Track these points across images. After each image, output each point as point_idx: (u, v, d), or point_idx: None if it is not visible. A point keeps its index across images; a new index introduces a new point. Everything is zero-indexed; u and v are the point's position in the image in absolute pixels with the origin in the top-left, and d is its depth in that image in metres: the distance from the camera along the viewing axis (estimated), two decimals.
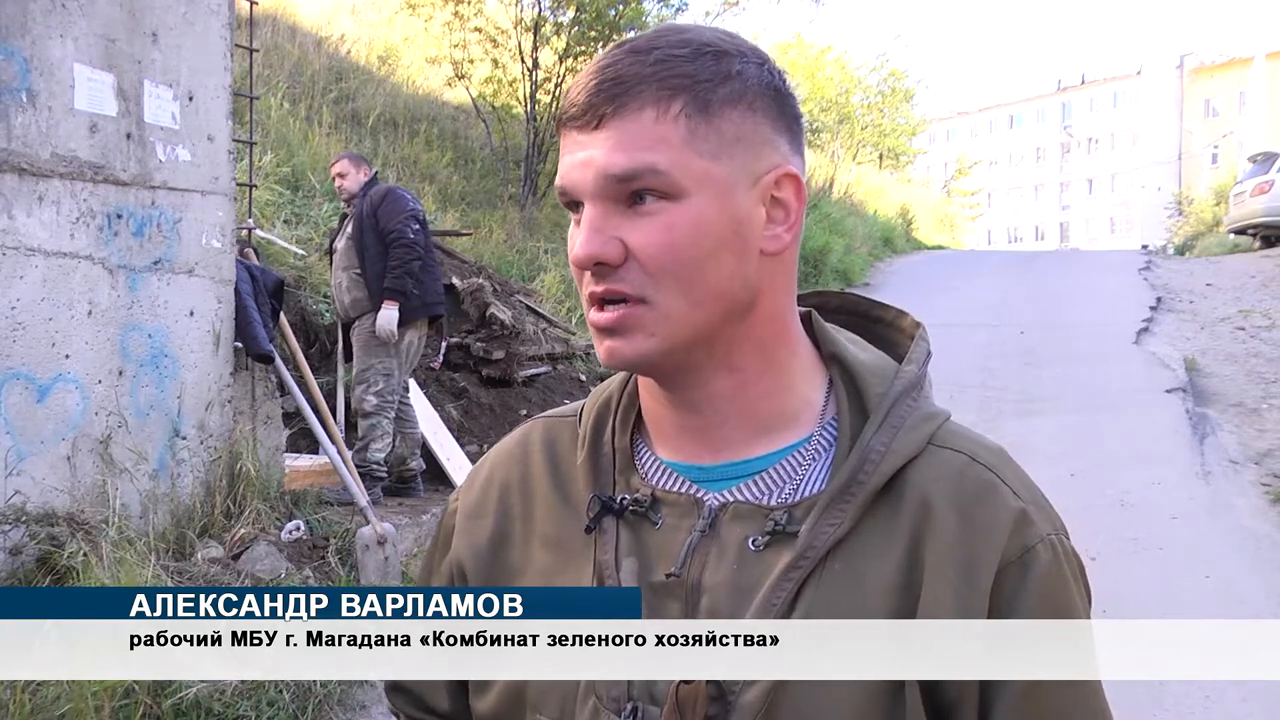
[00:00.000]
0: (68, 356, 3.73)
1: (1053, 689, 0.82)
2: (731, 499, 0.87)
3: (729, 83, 0.82)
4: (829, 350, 0.91)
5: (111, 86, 3.92)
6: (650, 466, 0.91)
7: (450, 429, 6.63)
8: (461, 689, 0.98)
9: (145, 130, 4.07)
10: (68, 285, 3.74)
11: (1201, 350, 9.71)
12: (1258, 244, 17.23)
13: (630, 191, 0.81)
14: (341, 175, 5.95)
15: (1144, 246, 24.13)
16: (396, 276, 5.54)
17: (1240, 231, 18.10)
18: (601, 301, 0.83)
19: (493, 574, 0.94)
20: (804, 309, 0.93)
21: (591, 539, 0.90)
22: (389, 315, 5.54)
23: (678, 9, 12.67)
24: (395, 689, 1.03)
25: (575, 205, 0.84)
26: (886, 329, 0.98)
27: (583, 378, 7.87)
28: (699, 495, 0.88)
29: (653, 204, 0.80)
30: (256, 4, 6.13)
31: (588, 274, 0.83)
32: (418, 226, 5.66)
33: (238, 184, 5.04)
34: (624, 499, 0.89)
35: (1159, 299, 12.40)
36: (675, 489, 0.89)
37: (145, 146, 4.08)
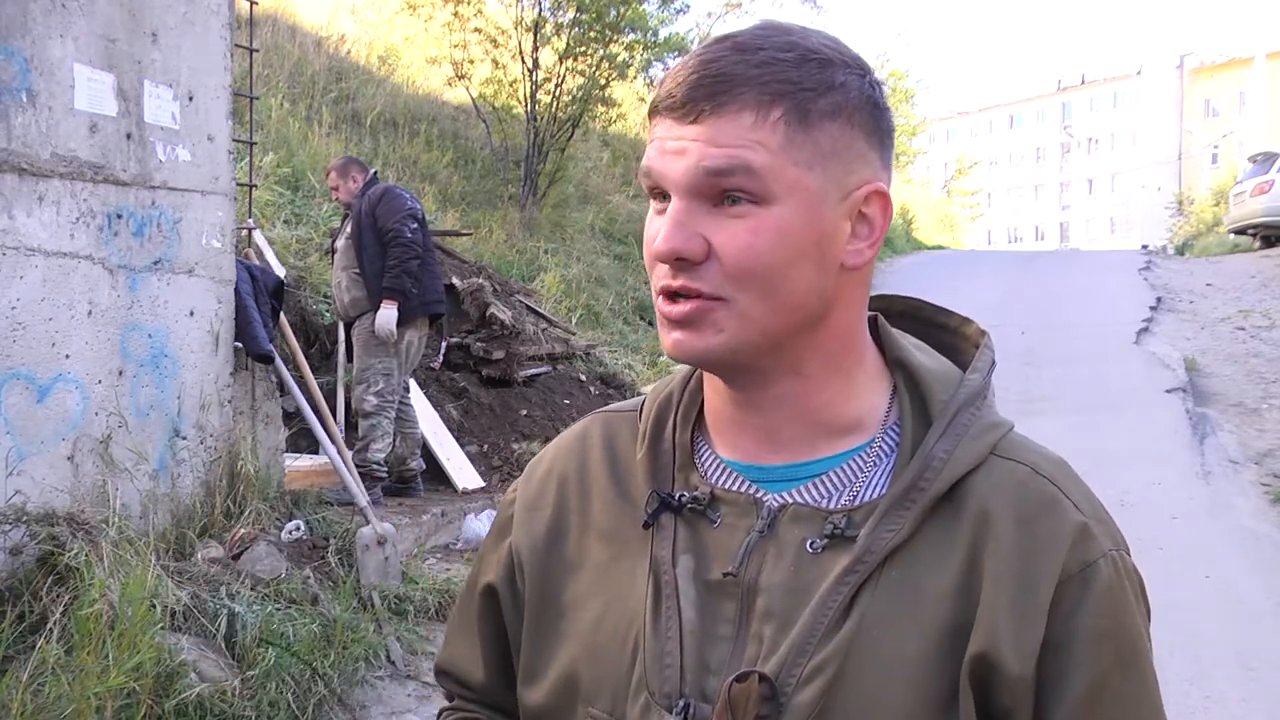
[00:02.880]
0: (68, 356, 3.73)
1: (1110, 703, 0.81)
2: (791, 500, 0.86)
3: (831, 94, 0.81)
4: (894, 356, 0.90)
5: (111, 86, 3.92)
6: (710, 464, 0.91)
7: (450, 429, 6.63)
8: (502, 661, 1.00)
9: (145, 130, 4.07)
10: (68, 285, 3.74)
11: (1201, 350, 9.71)
12: (1258, 244, 17.24)
13: (720, 190, 0.80)
14: (334, 187, 5.98)
15: (1144, 246, 24.14)
16: (395, 276, 5.54)
17: (1240, 231, 18.11)
18: (674, 294, 0.82)
19: (549, 566, 0.95)
20: (870, 313, 0.92)
21: (648, 534, 0.90)
22: (388, 314, 5.54)
23: (679, 10, 12.68)
24: (443, 671, 1.05)
25: (657, 193, 0.83)
26: (951, 335, 0.98)
27: (583, 378, 7.87)
28: (758, 495, 0.88)
29: (743, 206, 0.80)
30: (256, 4, 6.13)
31: (663, 266, 0.82)
32: (415, 225, 5.66)
33: (238, 184, 5.04)
34: (683, 496, 0.89)
35: (1159, 299, 12.40)
36: (735, 488, 0.89)
37: (145, 146, 4.08)
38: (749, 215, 0.80)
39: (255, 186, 6.48)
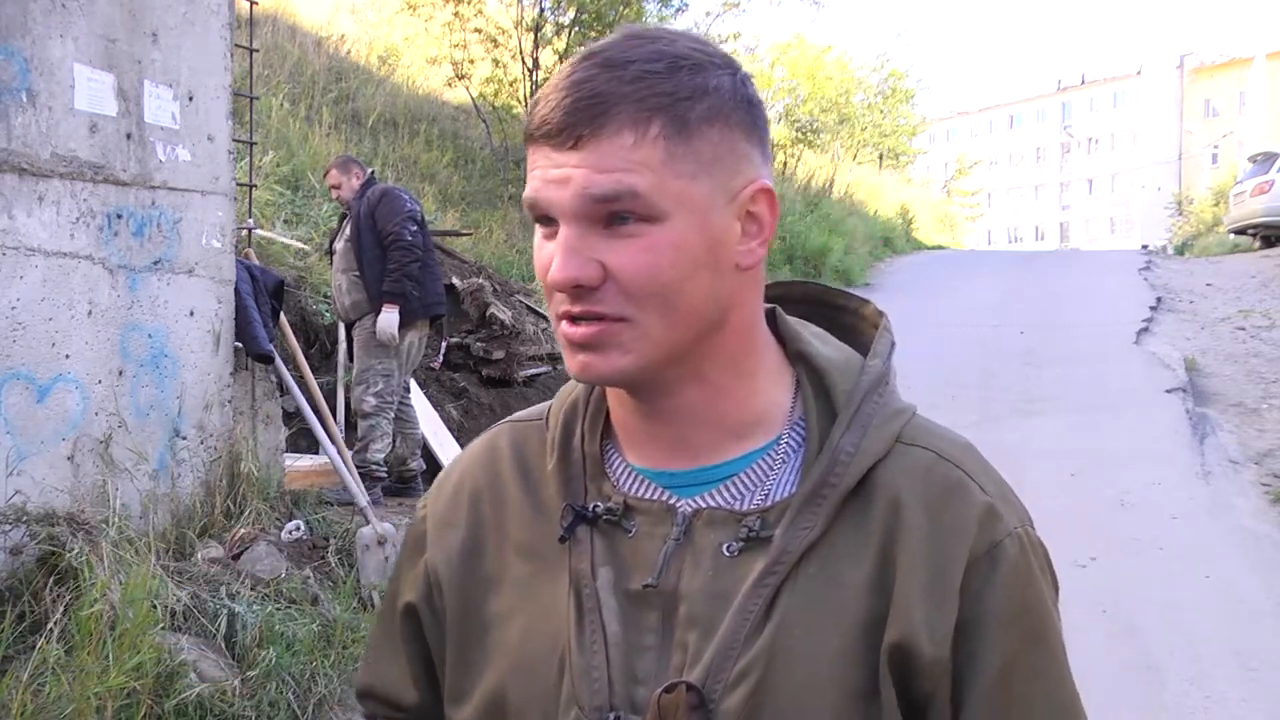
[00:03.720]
0: (68, 356, 3.73)
1: (1022, 679, 0.82)
2: (704, 505, 0.87)
3: (706, 98, 0.81)
4: (795, 348, 0.91)
5: (111, 86, 3.92)
6: (622, 473, 0.91)
7: (450, 429, 6.64)
8: (432, 680, 0.98)
9: (145, 130, 4.07)
10: (68, 285, 3.74)
11: (1201, 350, 9.71)
12: (1258, 244, 17.24)
13: (608, 213, 0.79)
14: (335, 186, 5.93)
15: (1144, 246, 24.13)
16: (395, 279, 5.52)
17: (1240, 231, 18.12)
18: (575, 318, 0.82)
19: (467, 583, 0.94)
20: (768, 306, 0.92)
21: (566, 548, 0.89)
22: (389, 318, 5.52)
23: (678, 9, 12.68)
24: (366, 693, 1.03)
25: (546, 220, 0.83)
26: (850, 317, 0.98)
27: None
28: (672, 502, 0.88)
29: (633, 226, 0.79)
30: (256, 4, 6.13)
31: (560, 294, 0.82)
32: (415, 228, 5.63)
33: (238, 184, 5.04)
34: (597, 507, 0.89)
35: (1159, 299, 12.40)
36: (648, 496, 0.89)
37: (145, 146, 4.08)
38: (641, 234, 0.80)
39: (255, 186, 6.48)
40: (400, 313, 5.55)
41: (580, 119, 0.79)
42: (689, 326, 0.82)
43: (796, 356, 0.90)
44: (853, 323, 0.97)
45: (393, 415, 5.71)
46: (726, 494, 0.87)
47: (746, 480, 0.87)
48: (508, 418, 1.03)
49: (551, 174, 0.80)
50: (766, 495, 0.86)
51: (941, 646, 0.81)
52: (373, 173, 6.06)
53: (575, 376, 0.84)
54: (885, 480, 0.85)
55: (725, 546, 0.84)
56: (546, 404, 0.99)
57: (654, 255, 0.80)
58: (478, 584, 0.93)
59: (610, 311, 0.81)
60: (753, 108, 0.84)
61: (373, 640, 1.04)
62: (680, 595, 0.84)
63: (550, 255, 0.82)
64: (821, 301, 0.99)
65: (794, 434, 0.88)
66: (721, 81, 0.82)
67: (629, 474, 0.90)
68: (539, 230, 0.84)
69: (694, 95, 0.80)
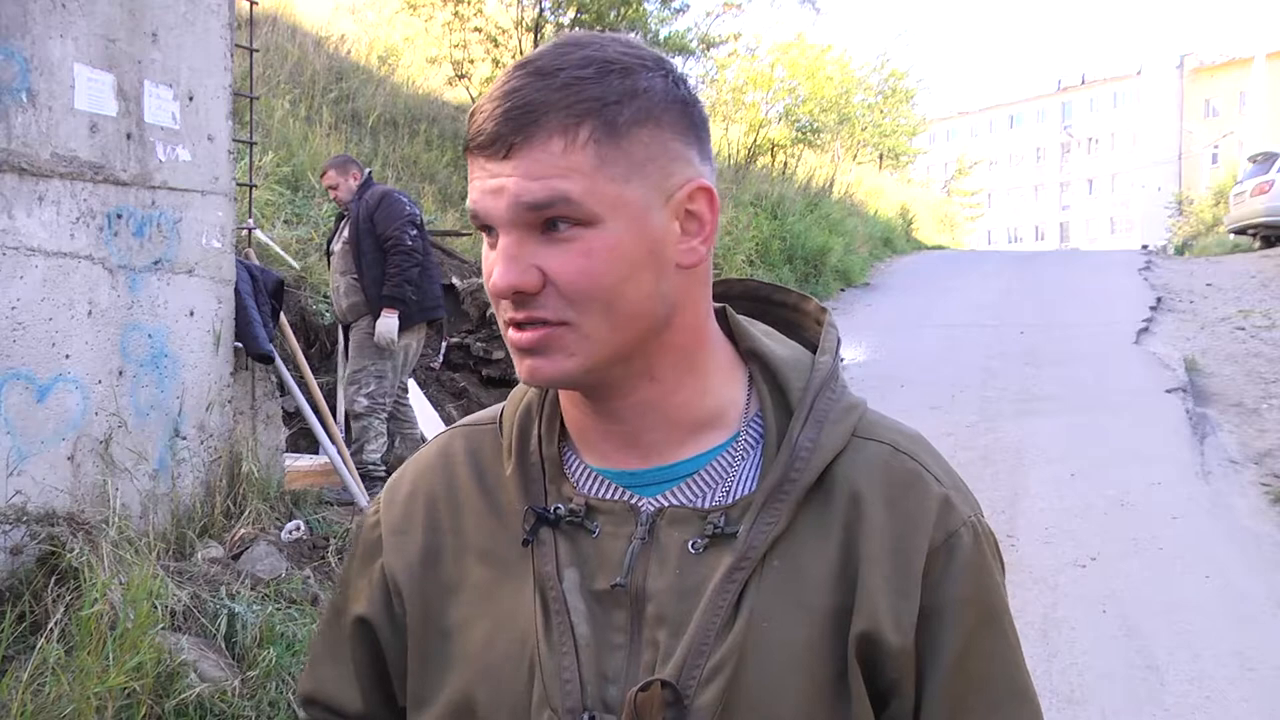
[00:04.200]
0: (68, 356, 3.73)
1: (978, 661, 0.85)
2: (667, 503, 0.88)
3: (635, 101, 0.81)
4: (746, 346, 0.92)
5: (111, 86, 3.92)
6: (581, 474, 0.91)
7: None
8: (381, 689, 0.98)
9: (145, 130, 4.07)
10: (68, 285, 3.74)
11: (1201, 350, 9.71)
12: (1258, 244, 17.24)
13: (543, 219, 0.81)
14: (333, 186, 5.89)
15: (1144, 246, 24.12)
16: (395, 285, 5.51)
17: (1240, 231, 18.12)
18: (520, 324, 0.83)
19: (427, 590, 0.94)
20: (718, 305, 0.93)
21: (529, 551, 0.89)
22: (389, 324, 5.51)
23: (678, 10, 12.68)
24: (310, 701, 1.02)
25: (488, 229, 0.84)
26: (791, 313, 0.99)
27: None
28: (633, 501, 0.88)
29: (568, 230, 0.80)
30: (256, 4, 6.13)
31: (504, 301, 0.83)
32: (415, 232, 5.62)
33: (238, 184, 5.04)
34: (559, 509, 0.89)
35: (1159, 299, 12.40)
36: (609, 496, 0.89)
37: (145, 146, 4.08)
38: (577, 238, 0.81)
39: (255, 186, 6.48)
40: (399, 317, 5.55)
41: (511, 128, 0.80)
42: (632, 327, 0.83)
43: (748, 354, 0.92)
44: (795, 319, 0.99)
45: (386, 416, 5.70)
46: (688, 491, 0.88)
47: (707, 477, 0.88)
48: (458, 422, 1.03)
49: (488, 184, 0.82)
50: (728, 492, 0.87)
51: (906, 635, 0.83)
52: (370, 173, 6.04)
53: (524, 381, 0.85)
54: (844, 474, 0.87)
55: (690, 544, 0.86)
56: (498, 407, 0.99)
57: (590, 259, 0.81)
58: (438, 590, 0.93)
59: (552, 316, 0.82)
60: (687, 107, 0.85)
61: (316, 648, 1.03)
62: (648, 594, 0.86)
63: (493, 264, 0.83)
64: (762, 298, 1.01)
65: (751, 430, 0.90)
66: (653, 83, 0.83)
67: (588, 475, 0.91)
68: (485, 239, 0.85)
69: (623, 98, 0.81)
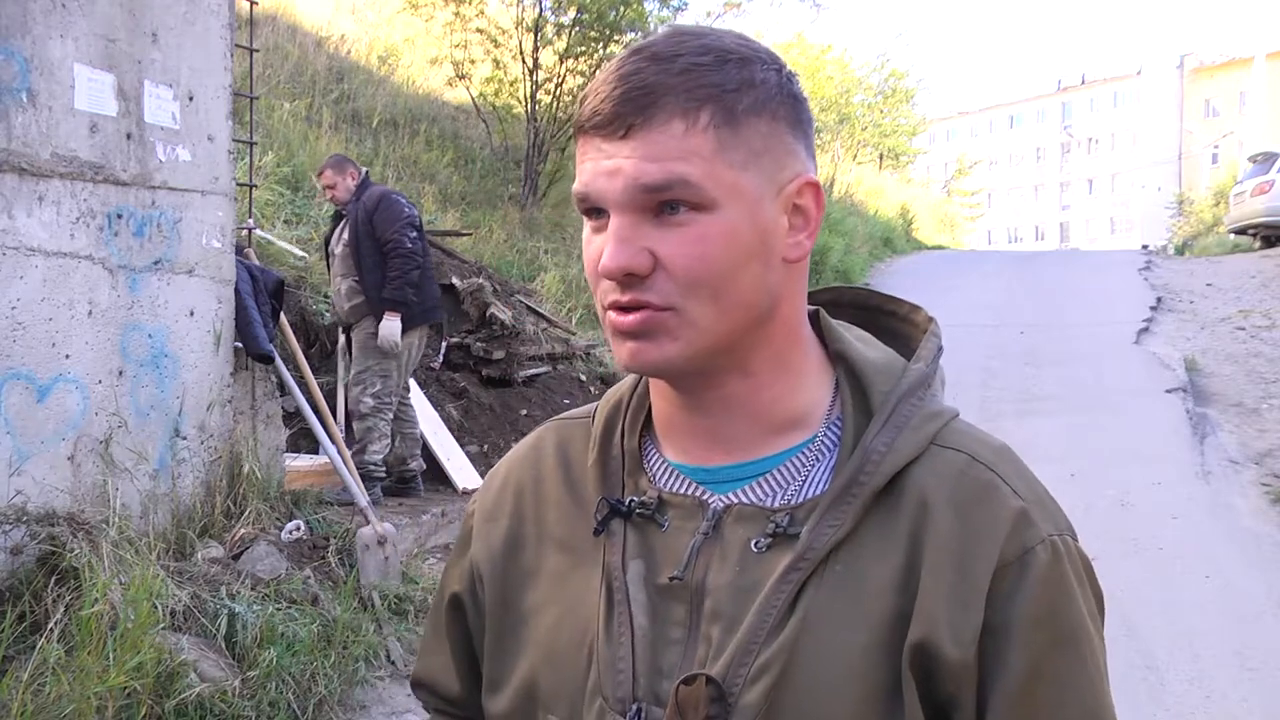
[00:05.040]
0: (68, 356, 3.73)
1: (1049, 686, 0.81)
2: (736, 501, 0.87)
3: (753, 91, 0.82)
4: (835, 348, 0.91)
5: (111, 86, 3.92)
6: (658, 468, 0.92)
7: (450, 429, 6.63)
8: (471, 669, 1.01)
9: (145, 130, 4.07)
10: (68, 285, 3.74)
11: (1201, 350, 9.71)
12: (1258, 244, 17.23)
13: (659, 202, 0.80)
14: (330, 186, 5.88)
15: (1144, 246, 24.11)
16: (396, 288, 5.53)
17: (1240, 231, 18.11)
18: (624, 307, 0.82)
19: (507, 576, 0.96)
20: (812, 307, 0.93)
21: (600, 541, 0.91)
22: (392, 326, 5.53)
23: (678, 9, 12.67)
24: (417, 684, 1.06)
25: (594, 212, 0.83)
26: (900, 323, 0.99)
27: (582, 378, 7.87)
28: (704, 497, 0.88)
29: (684, 215, 0.80)
30: (256, 4, 6.12)
31: (608, 283, 0.82)
32: (415, 234, 5.63)
33: (238, 184, 5.04)
34: (631, 501, 0.90)
35: (1159, 299, 12.40)
36: (681, 491, 0.89)
37: (145, 146, 4.08)
38: (692, 223, 0.80)
39: (255, 186, 6.47)
40: (401, 319, 5.56)
41: (630, 109, 0.80)
42: (737, 317, 0.83)
43: (837, 357, 0.91)
44: (902, 328, 0.98)
45: (390, 416, 5.71)
46: (758, 490, 0.87)
47: (779, 477, 0.87)
48: (556, 416, 1.05)
49: (603, 165, 0.81)
50: (798, 492, 0.87)
51: (966, 649, 0.80)
52: (367, 173, 6.04)
53: (625, 365, 0.84)
54: (916, 481, 0.84)
55: (753, 542, 0.85)
56: (596, 404, 1.00)
57: (705, 244, 0.80)
58: (517, 576, 0.95)
59: (659, 300, 0.81)
60: (798, 103, 0.85)
61: (425, 633, 1.07)
62: (707, 589, 0.85)
63: (600, 247, 0.82)
64: (873, 307, 1.00)
65: (830, 433, 0.89)
66: (768, 76, 0.83)
67: (666, 469, 0.91)
68: (588, 224, 0.85)
69: (741, 87, 0.81)
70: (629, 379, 0.97)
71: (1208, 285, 13.29)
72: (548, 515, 0.96)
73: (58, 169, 3.70)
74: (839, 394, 0.90)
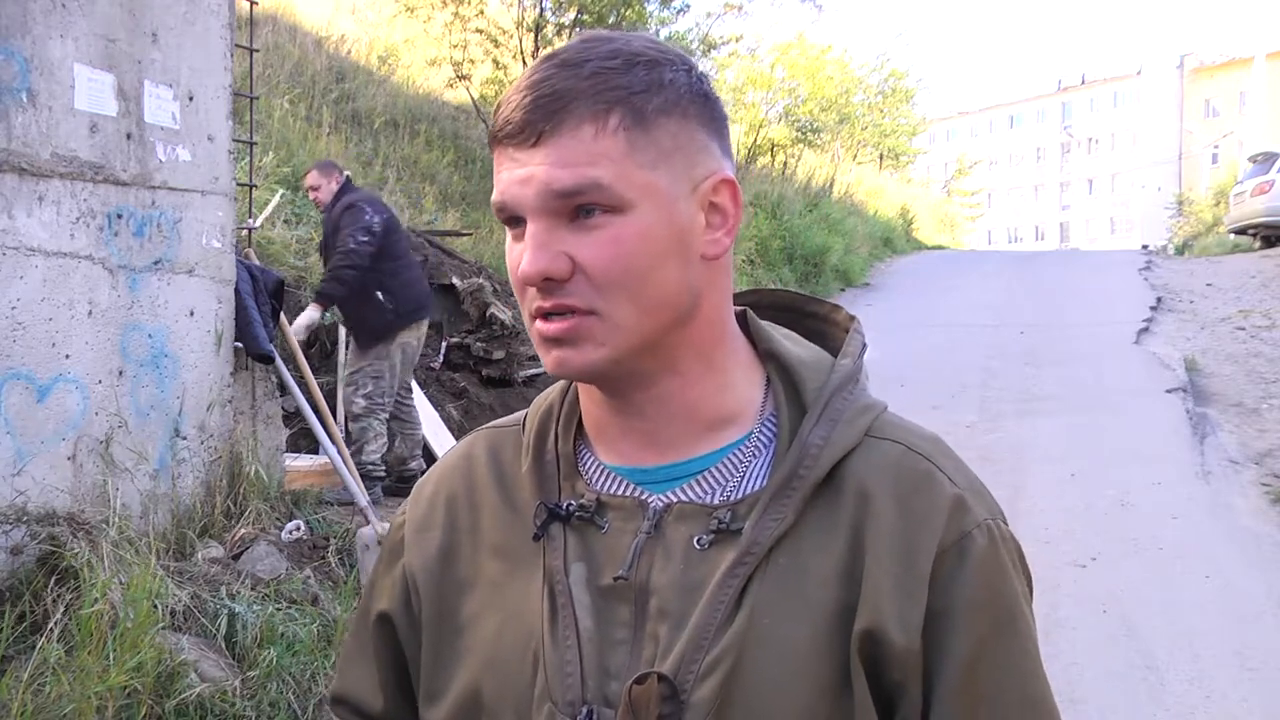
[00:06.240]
0: (68, 356, 3.73)
1: (990, 669, 0.83)
2: (675, 499, 0.88)
3: (662, 92, 0.82)
4: (765, 347, 0.92)
5: (111, 86, 3.92)
6: (594, 471, 0.92)
7: (450, 429, 6.63)
8: (401, 688, 1.00)
9: (145, 130, 4.07)
10: (68, 285, 3.74)
11: (1201, 350, 9.71)
12: (1258, 244, 17.24)
13: (574, 206, 0.81)
14: (314, 188, 6.00)
15: (1144, 246, 24.12)
16: (326, 281, 5.71)
17: (1240, 231, 18.12)
18: (548, 314, 0.83)
19: (443, 586, 0.95)
20: (739, 307, 0.94)
21: (540, 546, 0.90)
22: (310, 316, 5.68)
23: (679, 11, 12.68)
24: (338, 700, 1.04)
25: (514, 221, 0.84)
26: (821, 323, 1.00)
27: None
28: (643, 497, 0.89)
29: (599, 217, 0.81)
30: (256, 4, 6.12)
31: (531, 289, 0.83)
32: (366, 238, 5.67)
33: (238, 184, 5.04)
34: (569, 504, 0.90)
35: (1159, 299, 12.40)
36: (619, 492, 0.90)
37: (145, 146, 4.08)
38: (607, 225, 0.81)
39: (255, 186, 6.48)
40: (380, 324, 5.66)
41: (540, 116, 0.81)
42: (660, 316, 0.84)
43: (767, 355, 0.92)
44: (824, 328, 0.99)
45: (385, 416, 5.74)
46: (697, 488, 0.88)
47: (717, 475, 0.88)
48: (484, 425, 1.05)
49: (517, 173, 0.82)
50: (737, 489, 0.87)
51: (912, 636, 0.81)
52: (349, 177, 6.08)
53: (551, 372, 0.85)
54: (854, 472, 0.86)
55: (696, 540, 0.86)
56: (524, 411, 1.01)
57: (621, 245, 0.81)
58: (453, 586, 0.95)
59: (581, 304, 0.82)
60: (709, 102, 0.86)
61: (346, 649, 1.06)
62: (651, 588, 0.86)
63: (520, 254, 0.83)
64: (794, 308, 1.01)
65: (765, 429, 0.90)
66: (677, 76, 0.84)
67: (602, 472, 0.91)
68: (509, 233, 0.86)
69: (650, 88, 0.82)
70: (559, 385, 0.97)
71: (1208, 285, 13.29)
72: (482, 523, 0.95)
73: (58, 169, 3.70)
74: (771, 391, 0.91)
